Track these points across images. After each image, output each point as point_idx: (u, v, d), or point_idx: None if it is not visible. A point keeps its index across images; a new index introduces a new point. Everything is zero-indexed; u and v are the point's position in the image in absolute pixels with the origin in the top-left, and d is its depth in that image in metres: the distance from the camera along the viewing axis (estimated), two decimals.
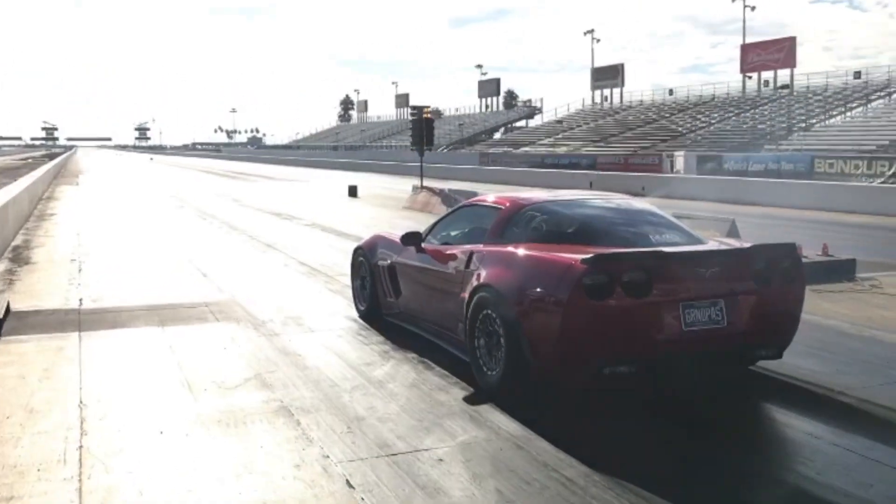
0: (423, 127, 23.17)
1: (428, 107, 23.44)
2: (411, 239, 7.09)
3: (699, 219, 12.19)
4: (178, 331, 7.46)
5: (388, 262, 7.48)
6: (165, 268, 11.45)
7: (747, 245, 5.73)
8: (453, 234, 6.94)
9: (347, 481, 4.10)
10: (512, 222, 6.14)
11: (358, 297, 8.23)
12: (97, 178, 44.46)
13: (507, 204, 6.42)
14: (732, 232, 11.72)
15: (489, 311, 5.55)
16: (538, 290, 5.21)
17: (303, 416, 5.09)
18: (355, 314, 8.09)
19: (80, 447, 4.56)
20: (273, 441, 4.68)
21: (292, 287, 9.94)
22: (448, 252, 6.53)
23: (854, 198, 23.20)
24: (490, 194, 7.20)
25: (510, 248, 5.78)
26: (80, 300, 8.88)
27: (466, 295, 5.85)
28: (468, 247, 6.25)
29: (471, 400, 5.38)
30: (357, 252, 8.33)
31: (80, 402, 5.38)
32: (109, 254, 12.87)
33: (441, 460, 4.36)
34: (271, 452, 4.50)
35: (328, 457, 4.42)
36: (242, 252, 13.42)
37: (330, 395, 5.51)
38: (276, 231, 16.64)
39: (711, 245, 5.94)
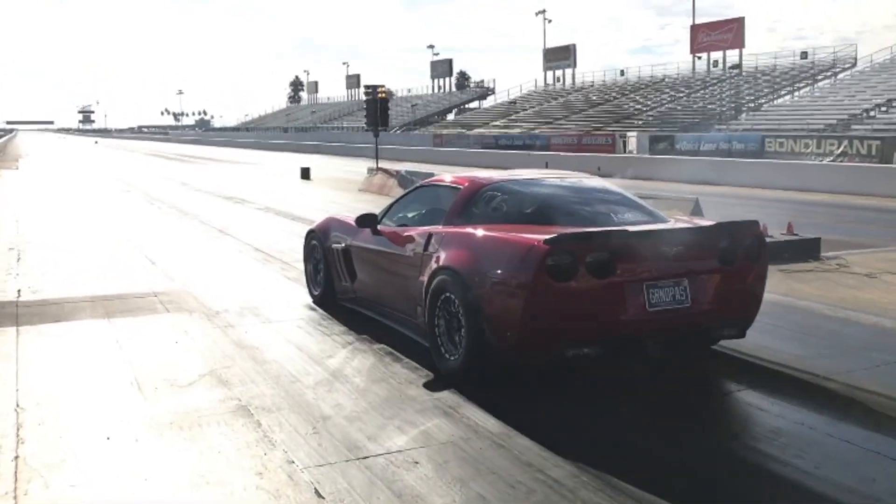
0: (377, 107, 22.65)
1: (383, 86, 22.89)
2: (366, 221, 6.84)
3: (663, 198, 12.01)
4: (126, 324, 6.98)
5: (343, 245, 7.22)
6: (112, 256, 10.89)
7: (711, 223, 5.59)
8: (410, 215, 6.71)
9: (316, 490, 3.74)
10: (471, 203, 5.93)
11: (311, 281, 7.97)
12: (39, 161, 42.99)
13: (467, 184, 6.19)
14: (696, 211, 11.57)
15: (449, 295, 5.34)
16: (500, 271, 5.03)
17: (264, 416, 4.71)
18: (313, 305, 7.71)
19: (16, 458, 4.12)
20: (232, 445, 4.29)
21: (247, 275, 9.49)
22: (405, 234, 6.28)
23: (807, 176, 23.40)
24: (447, 174, 6.92)
25: (470, 230, 5.57)
26: (19, 291, 8.33)
27: (425, 278, 5.64)
28: (426, 228, 6.03)
29: (443, 394, 5.05)
30: (310, 235, 8.05)
31: (17, 405, 4.91)
32: (51, 242, 12.21)
33: (417, 463, 4.03)
34: (231, 458, 4.12)
35: (293, 462, 4.06)
36: (193, 238, 12.88)
37: (292, 393, 5.13)
38: (227, 216, 16.07)
39: (675, 223, 5.79)
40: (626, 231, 5.08)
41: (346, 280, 7.20)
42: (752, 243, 5.42)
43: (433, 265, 5.58)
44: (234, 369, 5.63)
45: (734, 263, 5.27)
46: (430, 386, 5.22)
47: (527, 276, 4.82)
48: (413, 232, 6.18)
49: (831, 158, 30.64)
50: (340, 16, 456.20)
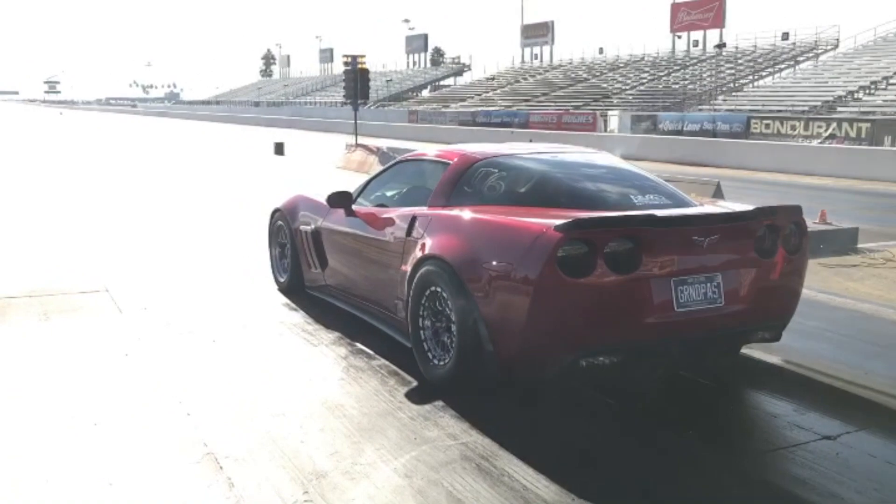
0: (357, 79, 21.28)
1: (363, 56, 21.53)
2: (340, 199, 5.89)
3: (680, 181, 10.92)
4: (65, 327, 5.73)
5: (312, 227, 6.28)
6: (56, 242, 9.57)
7: (748, 208, 4.59)
8: (389, 194, 5.80)
9: None
10: (462, 180, 4.99)
11: (277, 267, 7.05)
12: None
13: (456, 158, 5.23)
14: (717, 195, 10.51)
15: (437, 289, 4.53)
16: (499, 263, 4.16)
17: (237, 471, 3.52)
18: (295, 299, 6.50)
19: None
20: None
21: (215, 265, 8.23)
22: (384, 216, 5.37)
23: (806, 158, 22.55)
24: (432, 147, 5.82)
25: (462, 212, 4.65)
26: None
27: (408, 268, 4.75)
28: (409, 210, 5.11)
29: (473, 437, 3.89)
30: (275, 215, 7.06)
31: None
32: None
33: None
34: None
35: None
36: (153, 218, 11.56)
37: (274, 434, 3.93)
38: (193, 196, 14.75)
39: (708, 208, 4.90)
40: (653, 216, 4.23)
41: (316, 267, 6.30)
42: (793, 232, 4.59)
43: (418, 253, 4.73)
44: (197, 398, 4.42)
45: (773, 255, 4.49)
46: (453, 423, 4.06)
47: (533, 269, 3.99)
48: (393, 213, 5.30)
49: (819, 141, 29.86)
50: None
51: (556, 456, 3.70)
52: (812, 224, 9.43)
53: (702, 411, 4.40)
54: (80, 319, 5.96)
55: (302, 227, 6.47)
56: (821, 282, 7.34)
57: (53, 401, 4.35)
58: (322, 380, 4.72)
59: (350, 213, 5.84)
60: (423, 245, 4.73)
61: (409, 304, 4.77)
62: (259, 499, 3.28)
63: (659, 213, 4.39)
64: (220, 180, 17.43)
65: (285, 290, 6.77)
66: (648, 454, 3.81)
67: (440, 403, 4.31)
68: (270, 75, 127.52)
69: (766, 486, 3.48)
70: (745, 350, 5.12)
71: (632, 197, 4.76)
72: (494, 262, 4.23)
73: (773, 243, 4.50)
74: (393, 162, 6.27)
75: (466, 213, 4.68)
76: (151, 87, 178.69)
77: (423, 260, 4.66)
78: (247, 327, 5.84)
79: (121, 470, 3.52)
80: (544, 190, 4.85)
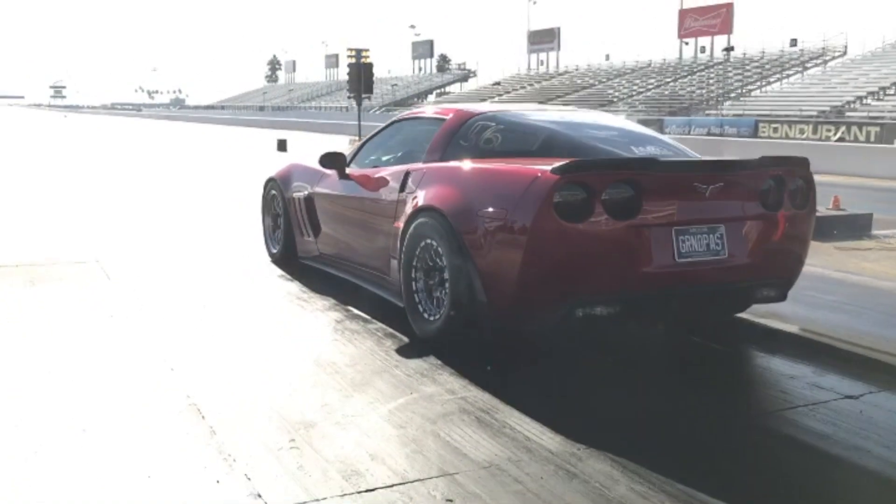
0: (361, 73, 21.10)
1: (367, 50, 21.36)
2: (333, 161, 5.71)
3: None
4: (49, 291, 5.52)
5: (305, 193, 6.08)
6: (53, 223, 9.37)
7: (754, 158, 4.36)
8: (385, 157, 5.60)
9: None
10: (458, 135, 4.83)
11: (270, 237, 6.89)
12: None
13: (452, 114, 5.07)
14: None
15: (430, 241, 4.37)
16: (494, 210, 4.03)
17: (220, 420, 3.29)
18: (290, 270, 6.29)
19: None
20: (168, 468, 2.88)
21: (209, 241, 8.02)
22: (378, 175, 5.22)
23: (815, 156, 22.28)
24: (430, 106, 5.61)
25: (457, 164, 4.49)
26: None
27: (401, 224, 4.66)
28: (403, 167, 4.95)
29: (472, 392, 3.67)
30: (269, 184, 6.87)
31: None
32: None
33: (450, 502, 2.65)
34: (165, 490, 2.71)
35: (260, 497, 2.66)
36: (148, 203, 11.35)
37: (260, 388, 3.70)
38: (191, 183, 14.56)
39: (712, 157, 4.71)
40: (654, 160, 4.11)
41: (309, 235, 6.12)
42: (800, 186, 4.42)
43: (409, 209, 4.60)
44: (183, 354, 4.20)
45: (779, 209, 4.30)
46: (451, 380, 3.83)
47: (529, 214, 3.82)
48: (386, 172, 5.18)
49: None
50: None
51: (559, 411, 3.48)
52: (825, 210, 9.21)
53: (714, 373, 4.18)
54: (67, 285, 5.74)
55: (295, 195, 6.27)
56: (836, 262, 7.12)
57: (26, 355, 4.13)
58: (315, 340, 4.49)
59: (344, 175, 5.67)
60: (416, 198, 4.56)
61: (402, 259, 4.60)
62: (241, 446, 3.05)
63: (661, 158, 4.21)
64: (219, 170, 17.24)
65: (278, 260, 6.58)
66: (659, 411, 3.57)
67: (437, 362, 4.08)
68: (276, 81, 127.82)
69: (784, 439, 3.25)
70: (759, 318, 4.89)
71: (633, 148, 4.54)
72: (490, 209, 4.04)
73: (778, 197, 4.30)
74: (388, 122, 6.07)
75: (461, 164, 4.52)
76: (157, 92, 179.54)
77: (417, 213, 4.50)
78: (238, 294, 5.62)
79: (95, 419, 3.30)
80: (542, 142, 4.63)
